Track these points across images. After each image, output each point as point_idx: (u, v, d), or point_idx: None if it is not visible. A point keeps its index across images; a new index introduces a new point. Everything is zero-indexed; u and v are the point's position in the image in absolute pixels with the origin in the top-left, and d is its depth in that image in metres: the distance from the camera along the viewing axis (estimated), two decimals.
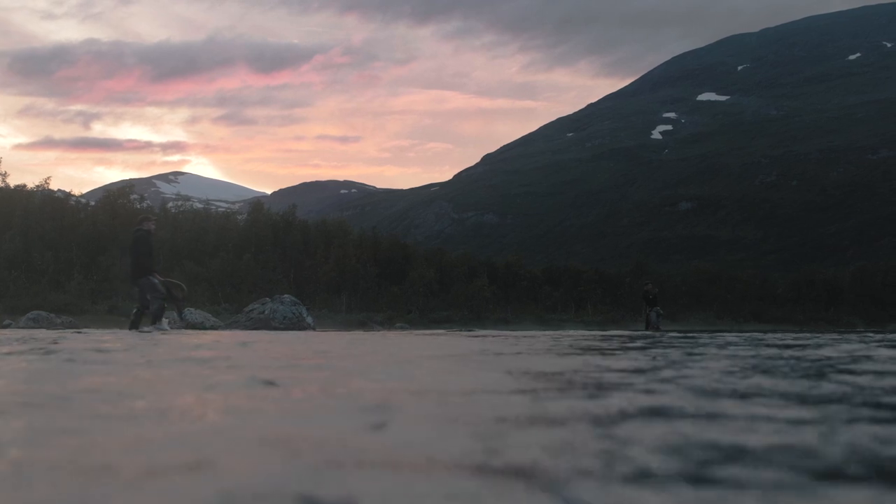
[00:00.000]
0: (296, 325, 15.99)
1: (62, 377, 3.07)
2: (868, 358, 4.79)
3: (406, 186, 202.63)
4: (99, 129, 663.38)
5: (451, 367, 4.02)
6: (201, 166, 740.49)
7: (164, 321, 12.17)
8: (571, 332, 15.78)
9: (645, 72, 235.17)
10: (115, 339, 7.13)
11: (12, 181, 42.03)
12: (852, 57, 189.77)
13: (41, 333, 9.71)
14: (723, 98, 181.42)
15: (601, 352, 5.75)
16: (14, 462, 1.31)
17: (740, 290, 58.37)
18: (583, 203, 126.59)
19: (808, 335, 11.47)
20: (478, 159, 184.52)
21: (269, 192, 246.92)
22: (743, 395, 2.48)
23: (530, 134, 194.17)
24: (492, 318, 43.25)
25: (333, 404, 2.22)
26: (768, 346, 6.82)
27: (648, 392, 2.56)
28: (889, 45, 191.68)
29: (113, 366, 3.74)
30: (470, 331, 15.61)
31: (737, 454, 1.45)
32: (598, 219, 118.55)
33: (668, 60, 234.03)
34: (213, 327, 17.04)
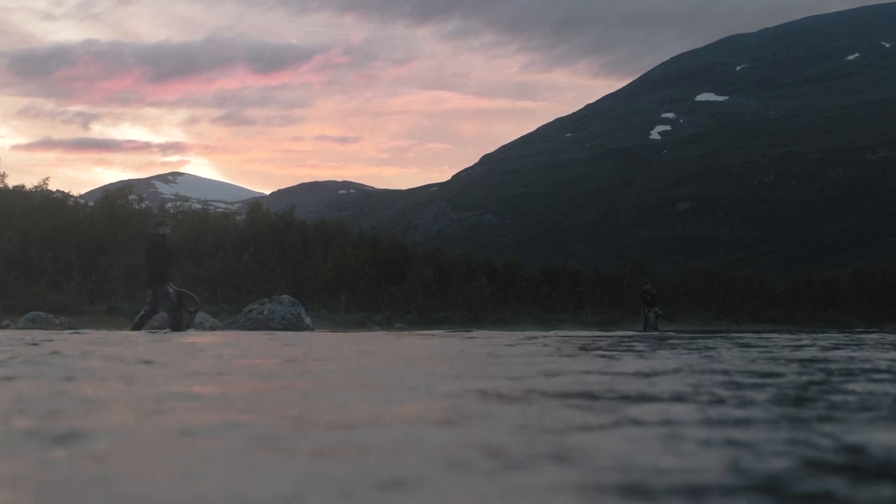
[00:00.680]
0: (294, 325, 15.99)
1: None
2: None
3: (405, 187, 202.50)
4: (98, 130, 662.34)
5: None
6: (200, 167, 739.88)
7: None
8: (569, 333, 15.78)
9: (644, 72, 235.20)
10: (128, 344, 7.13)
11: (11, 182, 41.97)
12: (851, 57, 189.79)
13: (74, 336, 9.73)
14: (721, 98, 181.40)
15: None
16: None
17: (739, 290, 58.41)
18: (581, 203, 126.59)
19: (842, 338, 11.37)
20: (476, 160, 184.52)
21: (267, 192, 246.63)
22: None
23: (529, 134, 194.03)
24: (490, 318, 43.26)
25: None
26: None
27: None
28: (887, 45, 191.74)
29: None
30: (468, 331, 15.62)
31: None
32: (596, 219, 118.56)
33: (667, 61, 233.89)
34: (212, 328, 17.06)
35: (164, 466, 1.34)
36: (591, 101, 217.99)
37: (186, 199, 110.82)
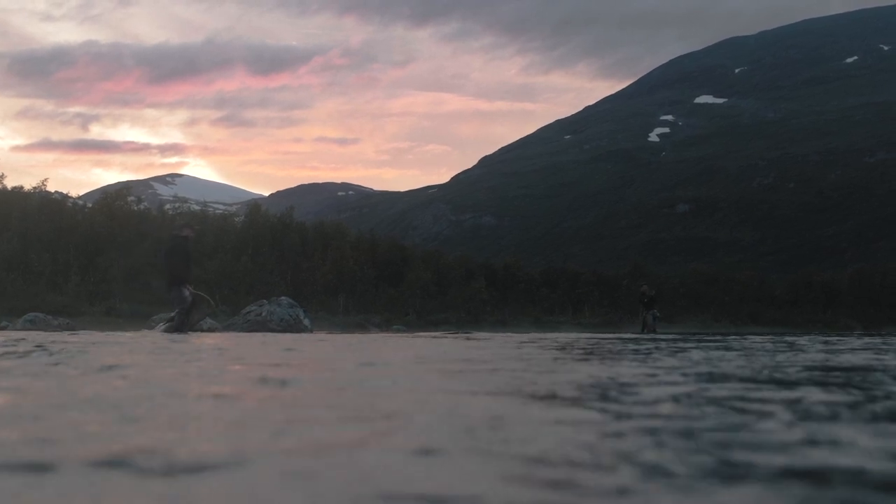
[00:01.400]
0: (293, 327, 15.96)
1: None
2: None
3: (404, 188, 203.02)
4: (97, 131, 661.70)
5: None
6: (199, 168, 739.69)
7: (161, 325, 12.12)
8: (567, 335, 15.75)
9: (643, 74, 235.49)
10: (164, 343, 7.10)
11: (10, 183, 42.04)
12: (850, 60, 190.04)
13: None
14: (720, 100, 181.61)
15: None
16: None
17: (738, 291, 58.43)
18: (580, 205, 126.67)
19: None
20: (476, 161, 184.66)
21: (266, 193, 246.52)
22: None
23: (528, 136, 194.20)
24: (489, 320, 43.26)
25: None
26: None
27: None
28: (886, 48, 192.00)
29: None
30: (467, 333, 15.57)
31: None
32: (595, 221, 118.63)
33: (666, 63, 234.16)
34: (210, 329, 17.03)
35: None
36: (591, 103, 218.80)
37: (185, 200, 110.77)
